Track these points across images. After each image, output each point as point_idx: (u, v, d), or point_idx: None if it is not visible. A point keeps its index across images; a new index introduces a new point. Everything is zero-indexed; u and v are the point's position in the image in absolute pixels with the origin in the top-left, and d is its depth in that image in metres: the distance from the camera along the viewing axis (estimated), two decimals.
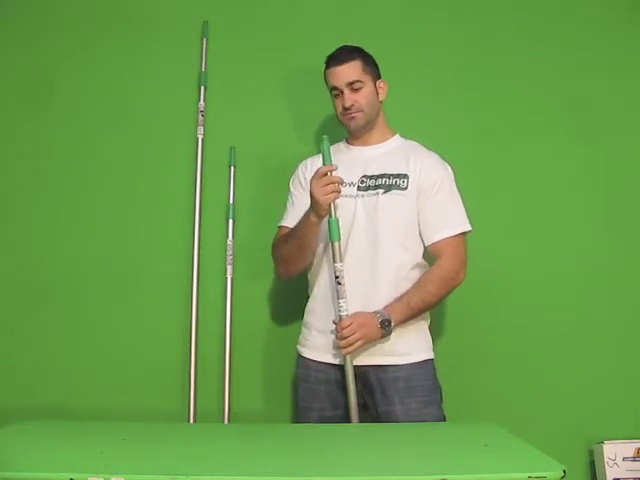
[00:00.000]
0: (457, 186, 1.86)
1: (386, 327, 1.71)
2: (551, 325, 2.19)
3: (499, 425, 1.51)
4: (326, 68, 1.87)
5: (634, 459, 2.03)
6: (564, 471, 1.11)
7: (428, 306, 1.79)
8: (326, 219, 1.76)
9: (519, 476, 1.11)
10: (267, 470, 1.17)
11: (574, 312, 2.20)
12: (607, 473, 2.02)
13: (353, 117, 1.85)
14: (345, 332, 1.70)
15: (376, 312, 1.73)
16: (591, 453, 2.12)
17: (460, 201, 1.85)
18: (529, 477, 1.09)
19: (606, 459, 2.03)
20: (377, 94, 1.87)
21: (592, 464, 2.11)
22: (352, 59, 1.83)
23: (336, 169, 1.73)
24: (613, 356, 2.18)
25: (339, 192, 1.72)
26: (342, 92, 1.84)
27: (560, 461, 1.14)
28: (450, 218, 1.82)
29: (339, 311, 1.73)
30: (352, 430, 1.62)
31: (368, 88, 1.84)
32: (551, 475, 1.10)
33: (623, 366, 2.18)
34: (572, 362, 2.18)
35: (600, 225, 2.24)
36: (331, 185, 1.71)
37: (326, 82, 1.88)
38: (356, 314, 1.73)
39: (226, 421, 2.10)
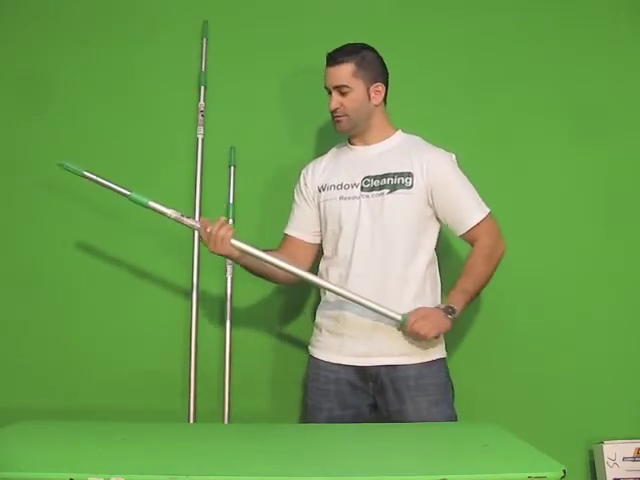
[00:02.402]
0: (464, 172, 1.86)
1: (450, 313, 1.73)
2: (551, 325, 2.19)
3: (499, 425, 1.51)
4: (325, 66, 1.86)
5: (634, 459, 2.03)
6: (564, 471, 1.11)
7: (482, 286, 1.82)
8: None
9: (519, 476, 1.11)
10: (267, 470, 1.17)
11: (574, 312, 2.20)
12: (607, 473, 2.03)
13: (338, 121, 1.85)
14: (415, 328, 1.71)
15: (436, 306, 1.77)
16: (591, 453, 2.12)
17: (471, 187, 1.85)
18: (529, 477, 1.09)
19: (606, 459, 2.03)
20: (369, 99, 1.84)
21: (592, 464, 2.11)
22: (344, 62, 1.80)
23: (199, 226, 1.74)
24: (613, 356, 2.18)
25: (226, 227, 1.72)
26: (331, 93, 1.84)
27: (560, 461, 1.14)
28: (470, 208, 1.83)
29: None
30: (352, 430, 1.62)
31: (356, 93, 1.82)
32: (551, 475, 1.10)
33: (623, 366, 2.18)
34: (572, 362, 2.18)
35: (601, 225, 2.24)
36: (211, 239, 1.72)
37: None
38: (418, 309, 1.75)
39: (226, 421, 2.10)
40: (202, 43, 2.28)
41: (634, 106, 2.28)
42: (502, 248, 1.85)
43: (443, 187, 1.81)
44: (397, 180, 1.81)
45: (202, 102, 2.24)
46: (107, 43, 2.30)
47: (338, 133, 1.89)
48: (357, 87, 1.82)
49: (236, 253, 1.76)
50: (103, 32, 2.31)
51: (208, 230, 1.72)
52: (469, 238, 1.84)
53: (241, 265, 1.84)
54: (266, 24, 2.30)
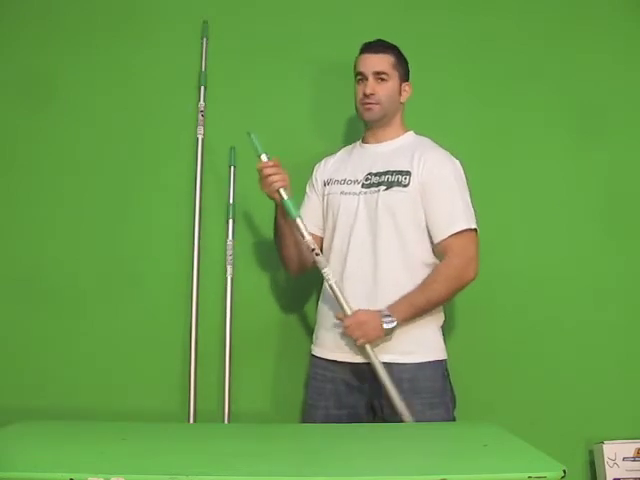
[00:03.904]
0: (467, 183, 1.83)
1: (389, 324, 1.71)
2: (551, 325, 2.19)
3: (499, 425, 1.51)
4: (359, 54, 1.88)
5: (634, 459, 2.03)
6: (564, 471, 1.10)
7: (434, 305, 1.77)
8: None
9: (519, 476, 1.11)
10: (267, 470, 1.17)
11: (575, 312, 2.20)
12: (607, 473, 2.02)
13: (370, 108, 1.85)
14: (347, 332, 1.73)
15: (379, 311, 1.73)
16: (591, 453, 2.12)
17: (467, 198, 1.80)
18: (529, 477, 1.09)
19: (606, 459, 2.03)
20: (399, 94, 1.88)
21: (592, 464, 2.11)
22: (386, 52, 1.86)
23: (267, 158, 1.79)
24: (613, 356, 2.18)
25: (281, 176, 1.77)
26: (367, 79, 1.84)
27: (560, 461, 1.14)
28: (454, 215, 1.77)
29: (328, 280, 1.78)
30: (351, 430, 1.62)
31: (392, 83, 1.85)
32: (551, 475, 1.10)
33: (623, 366, 2.18)
34: (572, 362, 2.18)
35: (601, 225, 2.24)
36: (269, 176, 1.77)
37: (354, 67, 1.89)
38: (358, 312, 1.74)
39: (226, 421, 2.10)
40: (202, 43, 2.28)
41: (635, 106, 2.28)
42: (472, 274, 1.75)
43: (431, 187, 1.78)
44: (395, 178, 1.80)
45: (202, 102, 2.24)
46: (107, 43, 2.30)
47: (366, 121, 1.89)
48: (394, 78, 1.86)
49: (278, 200, 1.80)
50: (103, 32, 2.31)
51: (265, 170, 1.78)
52: (442, 249, 1.77)
53: (275, 216, 1.87)
54: (266, 24, 2.30)
